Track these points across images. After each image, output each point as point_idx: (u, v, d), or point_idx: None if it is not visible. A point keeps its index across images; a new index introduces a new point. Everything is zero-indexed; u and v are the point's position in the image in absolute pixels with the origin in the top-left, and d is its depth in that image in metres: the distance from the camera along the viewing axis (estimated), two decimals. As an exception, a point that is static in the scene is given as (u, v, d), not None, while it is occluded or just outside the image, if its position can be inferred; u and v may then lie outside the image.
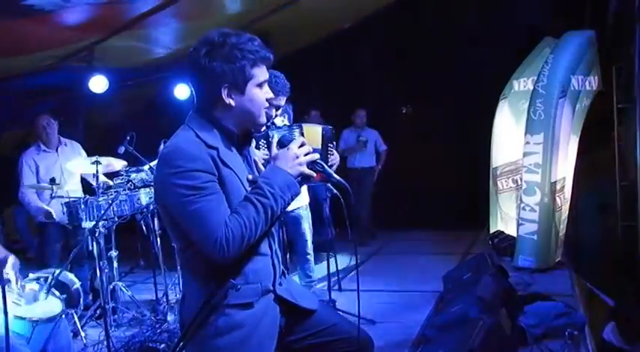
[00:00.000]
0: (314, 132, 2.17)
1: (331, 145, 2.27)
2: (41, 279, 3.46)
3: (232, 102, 1.83)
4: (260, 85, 1.86)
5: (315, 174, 1.90)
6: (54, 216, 4.53)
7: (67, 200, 4.44)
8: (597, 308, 4.21)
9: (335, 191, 1.95)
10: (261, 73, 1.86)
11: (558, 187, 5.21)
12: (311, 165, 1.88)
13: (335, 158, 2.28)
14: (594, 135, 5.66)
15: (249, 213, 1.74)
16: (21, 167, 4.73)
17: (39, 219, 4.77)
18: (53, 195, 4.58)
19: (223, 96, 1.81)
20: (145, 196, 4.48)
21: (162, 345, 3.86)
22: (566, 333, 3.33)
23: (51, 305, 3.20)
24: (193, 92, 1.90)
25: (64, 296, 3.55)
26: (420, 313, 4.22)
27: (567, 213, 5.43)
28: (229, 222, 1.72)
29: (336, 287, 4.91)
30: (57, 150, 4.85)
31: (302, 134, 2.05)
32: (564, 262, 5.31)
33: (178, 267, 4.21)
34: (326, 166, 1.92)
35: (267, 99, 1.90)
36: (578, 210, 5.60)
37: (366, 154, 7.30)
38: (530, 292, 4.32)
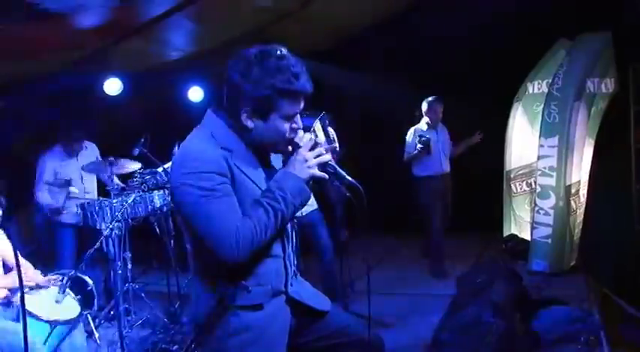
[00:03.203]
0: (318, 128, 2.17)
1: (331, 130, 2.25)
2: (57, 281, 3.49)
3: (250, 126, 1.81)
4: (287, 117, 1.81)
5: (327, 176, 1.89)
6: (62, 213, 4.62)
7: (82, 201, 4.49)
8: (613, 313, 4.16)
9: (348, 193, 1.94)
10: (291, 106, 1.80)
11: (573, 191, 5.17)
12: (322, 166, 1.87)
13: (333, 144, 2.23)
14: (610, 138, 5.60)
15: (260, 216, 1.74)
16: (41, 168, 4.79)
17: (53, 219, 4.82)
18: (70, 195, 4.64)
19: (242, 118, 1.80)
20: (158, 198, 4.51)
21: (175, 346, 3.88)
22: (582, 339, 3.30)
23: (69, 307, 3.23)
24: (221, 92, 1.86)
25: (79, 297, 3.58)
26: (433, 316, 4.20)
27: (582, 216, 5.38)
28: (240, 225, 1.72)
29: (348, 289, 4.90)
30: (77, 155, 4.92)
31: (323, 125, 2.06)
32: (579, 266, 5.26)
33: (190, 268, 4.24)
34: (338, 168, 1.92)
35: (292, 129, 1.86)
36: (594, 213, 5.54)
37: (433, 158, 5.73)
38: (544, 296, 4.28)
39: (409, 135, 5.79)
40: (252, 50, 1.77)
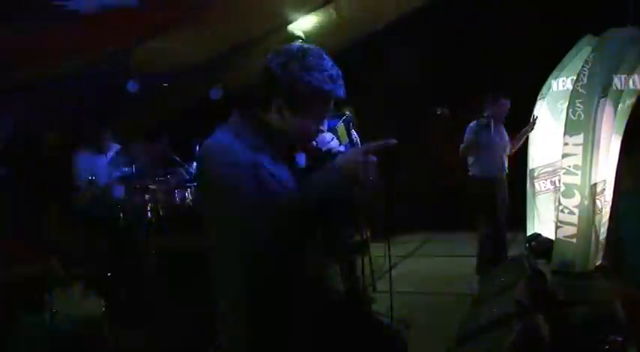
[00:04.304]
0: (342, 129, 2.17)
1: (354, 133, 2.25)
2: (82, 278, 3.55)
3: (278, 117, 1.82)
4: (315, 116, 1.84)
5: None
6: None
7: (106, 200, 4.55)
8: (639, 314, 4.08)
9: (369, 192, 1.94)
10: (321, 106, 1.83)
11: (599, 189, 5.09)
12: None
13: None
14: (638, 135, 5.50)
15: (282, 204, 1.71)
16: (74, 168, 4.88)
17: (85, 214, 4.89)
18: (93, 194, 4.70)
19: (272, 108, 1.82)
20: (179, 196, 4.53)
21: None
22: (607, 340, 3.24)
23: (93, 303, 3.28)
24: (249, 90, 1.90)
25: (103, 293, 3.63)
26: (455, 316, 4.17)
27: (608, 215, 5.29)
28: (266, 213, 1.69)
29: (371, 288, 4.90)
30: (105, 153, 4.99)
31: (346, 127, 2.09)
32: (605, 266, 5.18)
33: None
34: None
35: (315, 130, 1.87)
36: (621, 212, 5.45)
37: (495, 158, 5.33)
38: (568, 296, 4.23)
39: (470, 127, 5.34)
40: (295, 46, 1.82)
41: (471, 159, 5.38)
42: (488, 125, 5.18)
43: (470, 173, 5.39)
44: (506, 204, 5.45)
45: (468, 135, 5.28)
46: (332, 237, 1.85)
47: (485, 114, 5.27)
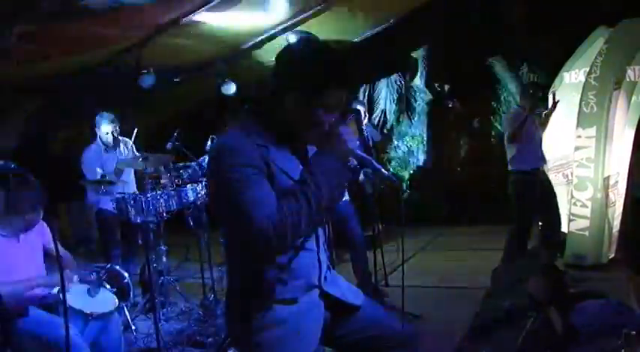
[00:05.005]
0: (352, 124, 2.16)
1: (365, 127, 2.26)
2: (93, 274, 3.56)
3: (291, 109, 1.82)
4: (328, 109, 1.83)
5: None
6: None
7: (118, 196, 4.57)
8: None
9: (382, 185, 1.94)
10: (332, 96, 1.82)
11: (612, 182, 5.05)
12: (358, 160, 1.88)
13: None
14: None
15: (289, 203, 1.72)
16: (86, 165, 4.89)
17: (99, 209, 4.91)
18: (104, 190, 4.72)
19: (284, 102, 1.81)
20: (192, 192, 4.54)
21: (210, 339, 3.92)
22: (621, 333, 3.22)
23: (105, 300, 3.29)
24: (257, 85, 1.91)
25: (115, 289, 3.64)
26: (468, 309, 4.16)
27: (622, 208, 5.26)
28: (273, 214, 1.70)
29: (383, 282, 4.90)
30: (116, 150, 5.00)
31: (357, 122, 2.10)
32: (618, 259, 5.15)
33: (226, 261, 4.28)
34: (374, 162, 1.91)
35: (327, 121, 1.86)
36: (634, 204, 5.41)
37: (534, 149, 5.10)
38: (582, 289, 4.20)
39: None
40: (303, 41, 1.82)
41: (512, 150, 5.00)
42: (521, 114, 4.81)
43: (514, 168, 5.03)
44: (556, 202, 5.22)
45: (514, 120, 4.91)
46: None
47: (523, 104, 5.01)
